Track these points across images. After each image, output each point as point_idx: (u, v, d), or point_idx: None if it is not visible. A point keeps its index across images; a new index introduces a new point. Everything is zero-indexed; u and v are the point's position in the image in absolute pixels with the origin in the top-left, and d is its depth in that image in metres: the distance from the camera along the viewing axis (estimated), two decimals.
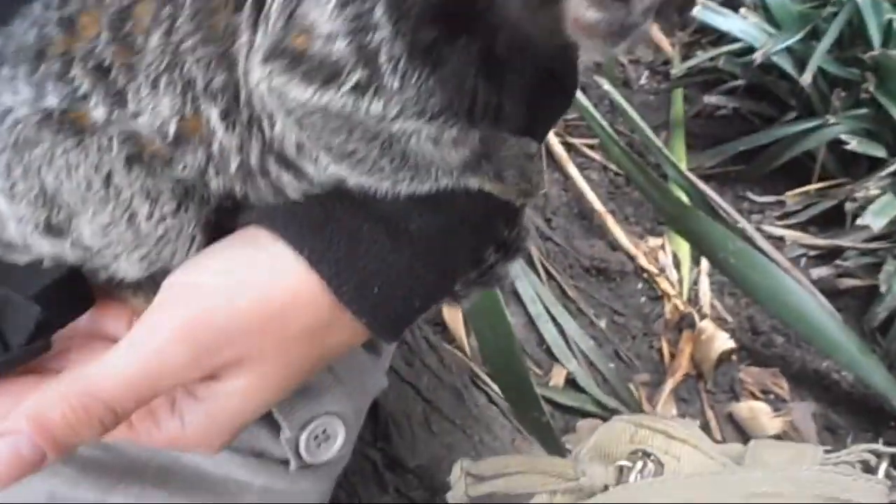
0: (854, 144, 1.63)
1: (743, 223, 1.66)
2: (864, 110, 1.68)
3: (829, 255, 1.70)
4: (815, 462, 0.62)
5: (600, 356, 1.55)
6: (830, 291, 1.62)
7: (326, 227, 0.47)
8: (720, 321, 1.64)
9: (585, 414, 1.46)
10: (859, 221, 1.59)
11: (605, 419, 0.72)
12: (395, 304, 0.49)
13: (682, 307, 1.65)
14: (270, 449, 0.60)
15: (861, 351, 1.48)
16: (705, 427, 1.48)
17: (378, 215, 0.48)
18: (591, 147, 1.92)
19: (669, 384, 1.53)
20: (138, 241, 0.48)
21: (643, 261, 1.71)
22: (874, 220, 1.56)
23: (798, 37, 1.70)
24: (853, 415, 1.51)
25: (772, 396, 1.54)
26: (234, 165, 0.47)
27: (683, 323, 1.64)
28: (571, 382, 1.51)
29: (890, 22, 1.62)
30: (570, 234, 1.76)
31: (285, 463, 0.60)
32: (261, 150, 0.47)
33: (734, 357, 1.59)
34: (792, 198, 1.78)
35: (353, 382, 0.59)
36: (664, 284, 1.67)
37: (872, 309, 1.60)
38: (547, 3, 0.41)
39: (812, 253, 1.71)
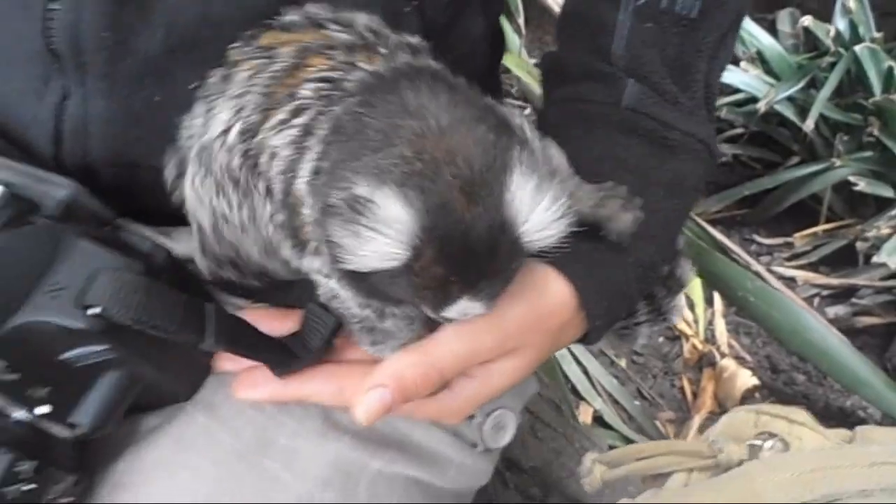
0: (863, 185, 1.68)
1: (755, 264, 1.68)
2: (868, 153, 1.74)
3: (842, 295, 1.72)
4: None
5: (624, 394, 1.52)
6: (847, 330, 1.62)
7: (577, 254, 0.55)
8: (739, 360, 1.64)
9: None
10: (875, 259, 1.61)
11: None
12: (611, 314, 0.60)
13: (700, 346, 1.64)
14: (464, 432, 0.68)
15: (889, 386, 1.48)
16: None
17: (616, 248, 0.58)
18: None
19: (696, 420, 1.50)
20: None
21: None
22: (891, 258, 1.59)
23: (799, 86, 1.76)
24: None
25: None
26: None
27: (703, 361, 1.62)
28: (599, 420, 1.47)
29: (890, 69, 1.70)
30: None
31: (473, 445, 0.69)
32: None
33: (757, 395, 1.58)
34: (800, 239, 1.82)
35: (520, 385, 0.67)
36: (681, 324, 1.66)
37: (893, 346, 1.61)
38: None
39: (825, 293, 1.73)
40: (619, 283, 0.59)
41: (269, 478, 0.58)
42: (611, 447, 1.40)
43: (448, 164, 0.44)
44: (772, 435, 0.65)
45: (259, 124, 0.52)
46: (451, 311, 0.47)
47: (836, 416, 1.56)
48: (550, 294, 0.56)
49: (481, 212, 0.44)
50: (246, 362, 0.57)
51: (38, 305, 0.49)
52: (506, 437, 0.69)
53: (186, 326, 0.51)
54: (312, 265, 0.53)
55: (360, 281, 0.48)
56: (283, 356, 0.56)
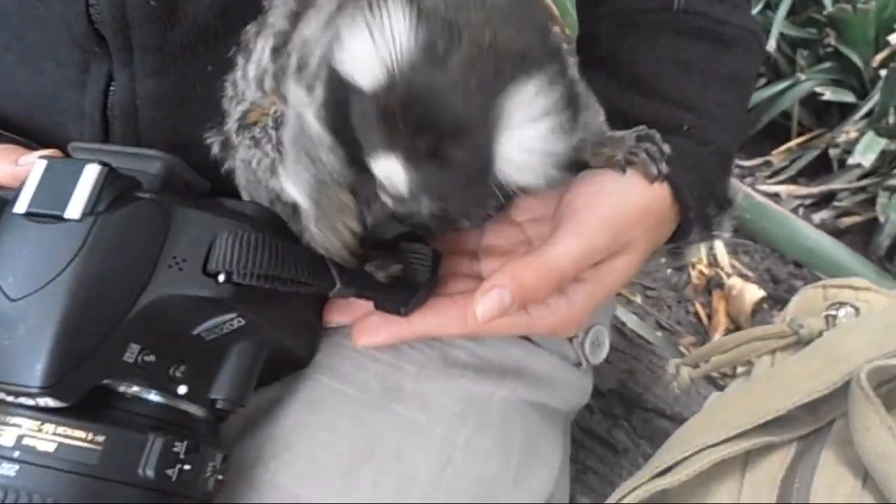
0: (829, 94, 1.75)
1: (741, 185, 1.74)
2: (828, 63, 1.80)
3: (822, 201, 1.79)
4: None
5: (646, 328, 1.56)
6: (833, 232, 1.70)
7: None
8: (743, 277, 1.70)
9: None
10: (850, 161, 1.69)
11: None
12: (701, 205, 0.62)
13: (706, 271, 1.69)
14: (567, 352, 0.70)
15: (879, 275, 1.55)
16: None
17: (699, 140, 0.61)
18: None
19: (716, 339, 1.55)
20: None
21: None
22: (864, 157, 1.66)
23: (757, 9, 1.83)
24: None
25: None
26: None
27: (711, 285, 1.68)
28: None
29: None
30: None
31: (577, 364, 0.70)
32: None
33: (765, 305, 1.64)
34: (777, 156, 1.88)
35: (607, 303, 0.70)
36: None
37: (875, 239, 1.68)
38: None
39: (807, 202, 1.81)
40: (706, 173, 0.61)
41: (407, 423, 0.59)
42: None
43: (470, 30, 0.41)
44: (842, 304, 0.68)
45: (290, 32, 0.52)
46: (380, 163, 0.44)
47: None
48: (650, 187, 0.57)
49: (471, 93, 0.41)
50: (358, 312, 0.58)
51: (164, 280, 0.48)
52: (603, 353, 0.71)
53: (316, 275, 0.51)
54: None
55: (335, 111, 0.46)
56: (402, 294, 0.55)
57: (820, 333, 0.66)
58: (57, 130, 0.63)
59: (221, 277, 0.49)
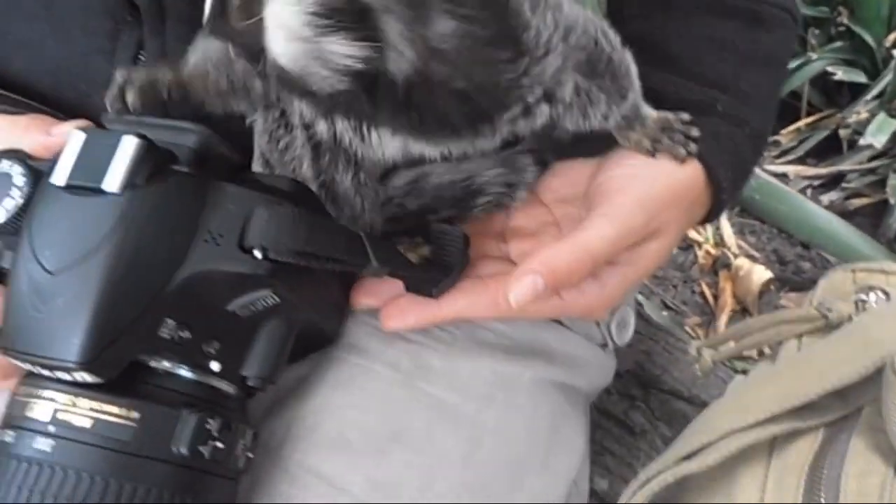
0: (841, 74, 1.74)
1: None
2: (839, 43, 1.79)
3: (831, 182, 1.78)
4: None
5: (652, 307, 1.56)
6: (842, 214, 1.70)
7: (700, 129, 0.59)
8: (750, 258, 1.70)
9: None
10: (861, 142, 1.68)
11: None
12: (734, 186, 0.61)
13: (713, 251, 1.69)
14: (593, 333, 0.70)
15: (889, 258, 1.56)
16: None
17: (734, 121, 0.61)
18: None
19: (723, 320, 1.56)
20: None
21: None
22: (876, 139, 1.65)
23: None
24: None
25: None
26: None
27: (717, 265, 1.68)
28: None
29: None
30: None
31: (602, 345, 0.71)
32: None
33: (772, 287, 1.64)
34: (786, 136, 1.87)
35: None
36: (691, 233, 1.71)
37: (885, 222, 1.68)
38: None
39: (816, 183, 1.80)
40: (740, 153, 0.61)
41: (435, 402, 0.59)
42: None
43: None
44: (872, 288, 0.68)
45: None
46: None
47: None
48: (683, 169, 0.57)
49: None
50: (386, 295, 0.58)
51: (200, 256, 0.48)
52: (629, 334, 0.71)
53: (352, 253, 0.50)
54: None
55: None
56: (433, 276, 0.55)
57: (849, 318, 0.65)
58: (83, 100, 0.62)
59: (258, 253, 0.48)
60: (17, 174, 0.50)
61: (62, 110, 0.62)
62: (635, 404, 0.82)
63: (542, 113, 0.52)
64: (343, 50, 0.42)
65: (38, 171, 0.50)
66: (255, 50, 0.46)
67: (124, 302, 0.46)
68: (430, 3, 0.43)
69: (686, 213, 0.59)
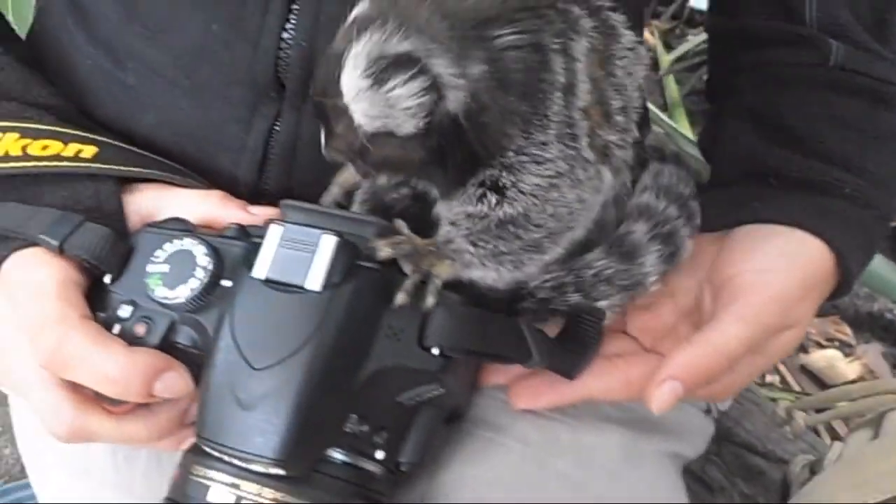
0: None
1: None
2: None
3: None
4: None
5: None
6: None
7: (829, 214, 0.60)
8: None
9: None
10: None
11: None
12: (861, 267, 0.61)
13: None
14: (699, 401, 0.72)
15: None
16: (782, 381, 1.55)
17: (862, 204, 0.61)
18: None
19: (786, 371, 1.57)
20: None
21: None
22: None
23: None
24: None
25: (837, 343, 1.64)
26: None
27: None
28: None
29: None
30: None
31: (707, 411, 0.73)
32: None
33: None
34: None
35: None
36: None
37: None
38: None
39: None
40: (870, 238, 0.61)
41: (563, 477, 0.61)
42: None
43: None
44: None
45: None
46: None
47: (866, 322, 1.68)
48: (815, 259, 0.58)
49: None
50: (513, 372, 0.59)
51: (383, 351, 0.49)
52: (730, 400, 0.74)
53: (518, 349, 0.52)
54: None
55: None
56: (574, 359, 0.56)
57: None
58: (209, 160, 0.63)
59: (436, 351, 0.50)
60: (201, 254, 0.51)
61: (187, 166, 0.62)
62: (710, 458, 0.85)
63: None
64: (406, 92, 0.46)
65: (218, 250, 0.52)
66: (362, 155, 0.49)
67: (322, 400, 0.47)
68: (465, 45, 0.47)
69: (817, 300, 0.60)
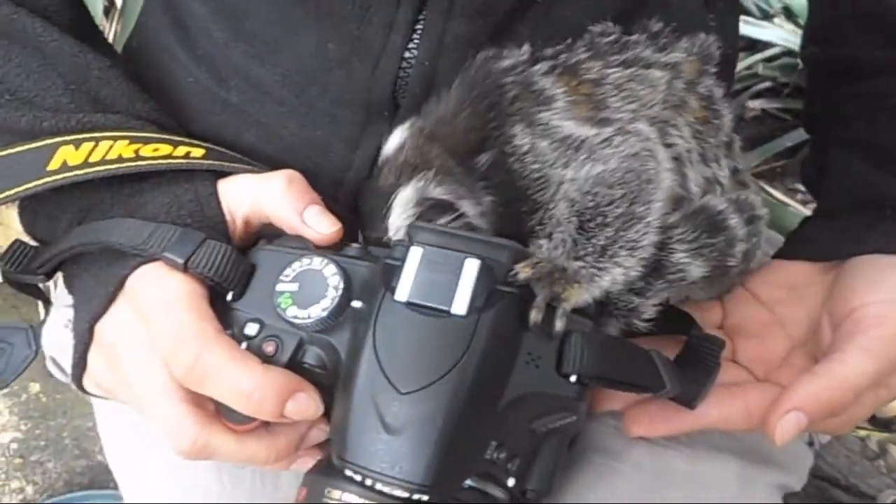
0: None
1: (805, 211, 1.76)
2: None
3: None
4: None
5: None
6: None
7: None
8: None
9: None
10: None
11: None
12: None
13: None
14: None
15: None
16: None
17: None
18: None
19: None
20: None
21: None
22: None
23: None
24: None
25: None
26: None
27: None
28: None
29: None
30: None
31: (809, 444, 0.72)
32: None
33: None
34: None
35: None
36: None
37: None
38: None
39: None
40: None
41: None
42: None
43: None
44: None
45: None
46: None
47: None
48: None
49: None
50: (626, 398, 0.58)
51: (523, 378, 0.48)
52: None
53: (652, 377, 0.51)
54: None
55: None
56: (696, 387, 0.55)
57: None
58: (311, 177, 0.60)
59: (573, 378, 0.49)
60: (331, 274, 0.51)
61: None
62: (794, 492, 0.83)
63: None
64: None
65: (346, 270, 0.51)
66: None
67: (468, 426, 0.46)
68: (475, 188, 0.54)
69: None
